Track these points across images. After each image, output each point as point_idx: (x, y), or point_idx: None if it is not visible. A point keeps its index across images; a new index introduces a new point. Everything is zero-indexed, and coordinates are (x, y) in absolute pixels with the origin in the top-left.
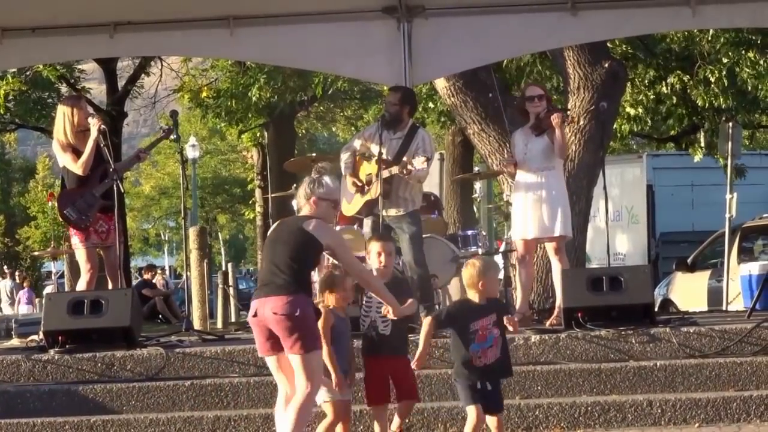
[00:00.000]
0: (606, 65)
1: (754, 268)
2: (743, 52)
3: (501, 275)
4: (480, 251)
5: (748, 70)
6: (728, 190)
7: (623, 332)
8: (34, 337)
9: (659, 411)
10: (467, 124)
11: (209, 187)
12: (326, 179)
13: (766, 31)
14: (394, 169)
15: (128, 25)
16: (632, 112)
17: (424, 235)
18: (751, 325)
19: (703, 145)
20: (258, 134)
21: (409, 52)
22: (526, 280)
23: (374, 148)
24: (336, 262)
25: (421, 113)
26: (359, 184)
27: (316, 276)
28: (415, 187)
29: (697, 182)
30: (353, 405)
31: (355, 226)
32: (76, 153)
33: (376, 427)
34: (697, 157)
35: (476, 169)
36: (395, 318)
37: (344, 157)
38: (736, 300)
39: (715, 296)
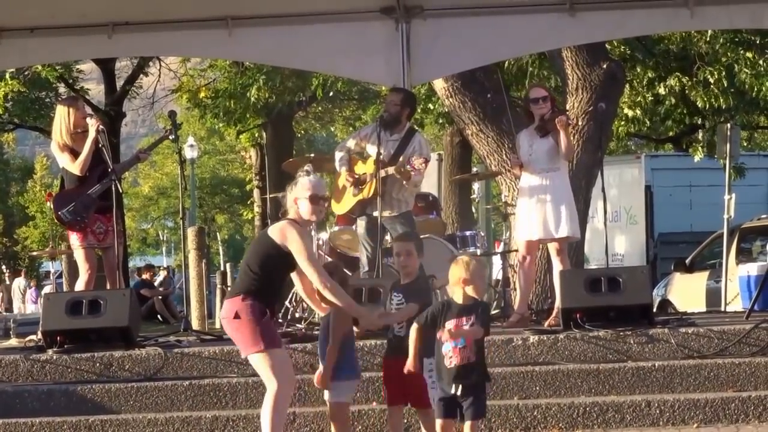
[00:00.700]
0: (604, 66)
1: (752, 268)
2: (742, 52)
3: (500, 276)
4: (478, 252)
5: (747, 70)
6: (726, 190)
7: (621, 333)
8: (33, 337)
9: (657, 411)
10: (465, 124)
11: (208, 187)
12: (303, 178)
13: (765, 32)
14: (391, 170)
15: (126, 26)
16: (630, 113)
17: (422, 236)
18: (749, 326)
19: (701, 146)
20: (256, 134)
21: (408, 52)
22: (526, 281)
23: (370, 148)
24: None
25: (420, 114)
26: (355, 177)
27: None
28: (408, 189)
29: (696, 183)
30: (358, 405)
31: (354, 227)
32: (74, 153)
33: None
34: (697, 158)
35: (474, 169)
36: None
37: (339, 154)
38: (735, 301)
39: (713, 297)
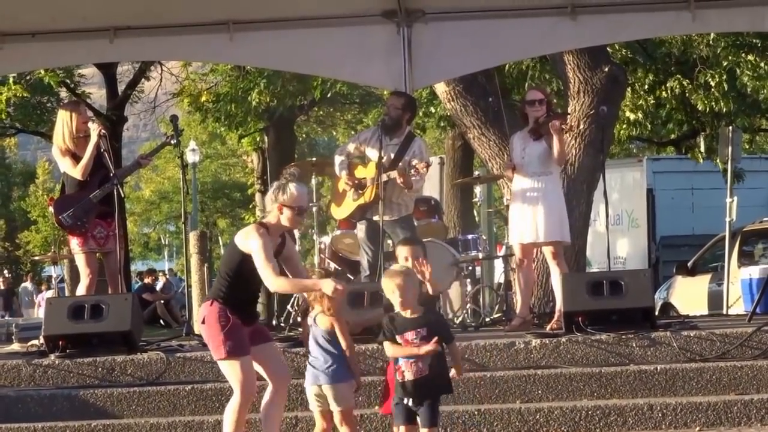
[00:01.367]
0: (606, 69)
1: (754, 271)
2: (743, 55)
3: (502, 279)
4: (480, 255)
5: (748, 73)
6: (728, 193)
7: (624, 336)
8: (35, 341)
9: (660, 415)
10: (467, 128)
11: (209, 191)
12: (292, 187)
13: (766, 34)
14: (393, 174)
15: (128, 30)
16: (632, 116)
17: (424, 240)
18: (751, 329)
19: (702, 149)
20: (258, 138)
21: (409, 56)
22: (526, 284)
23: (370, 152)
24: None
25: (422, 118)
26: (355, 182)
27: None
28: (405, 193)
29: (698, 186)
30: (360, 409)
31: (355, 231)
32: (76, 158)
33: None
34: (699, 161)
35: (476, 173)
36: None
37: (339, 159)
38: (737, 304)
39: (715, 300)
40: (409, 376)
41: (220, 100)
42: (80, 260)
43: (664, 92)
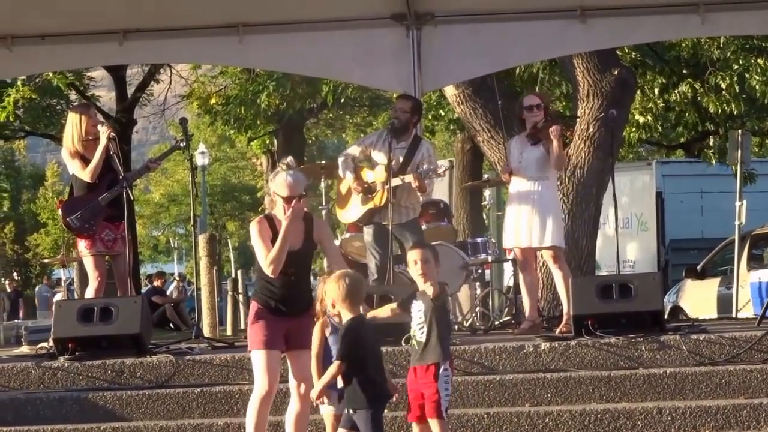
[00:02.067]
0: (615, 72)
1: (764, 275)
2: (753, 59)
3: (511, 282)
4: (489, 258)
5: (757, 77)
6: (738, 197)
7: (633, 340)
8: (44, 344)
9: (669, 418)
10: (476, 131)
11: (219, 194)
12: (282, 176)
13: None
14: (406, 178)
15: (138, 33)
16: (642, 119)
17: (433, 243)
18: (761, 333)
19: (713, 152)
20: (267, 141)
21: (418, 59)
22: (531, 286)
23: (376, 156)
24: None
25: (431, 121)
26: (364, 186)
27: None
28: (415, 196)
29: (707, 189)
30: None
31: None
32: (85, 161)
33: None
34: (711, 164)
35: (485, 176)
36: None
37: (345, 162)
38: (746, 307)
39: (724, 303)
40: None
41: (230, 103)
42: (88, 263)
43: (673, 95)
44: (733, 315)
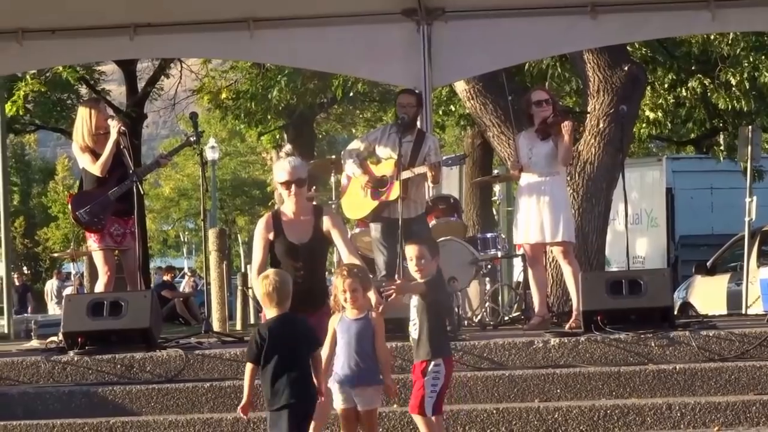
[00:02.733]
0: (626, 68)
1: None
2: (763, 57)
3: (521, 278)
4: (499, 254)
5: (767, 73)
6: (748, 193)
7: (642, 335)
8: (54, 338)
9: (678, 414)
10: (486, 126)
11: (228, 189)
12: (279, 162)
13: None
14: (417, 170)
15: (148, 27)
16: (652, 115)
17: (443, 238)
18: None
19: (722, 148)
20: (278, 136)
21: (429, 54)
22: (540, 282)
23: (381, 151)
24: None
25: (441, 116)
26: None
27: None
28: (422, 191)
29: (717, 185)
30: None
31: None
32: (95, 155)
33: None
34: (720, 161)
35: (495, 171)
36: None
37: (350, 159)
38: (756, 303)
39: (734, 300)
40: None
41: (240, 98)
42: (97, 257)
43: (683, 91)
44: (743, 311)
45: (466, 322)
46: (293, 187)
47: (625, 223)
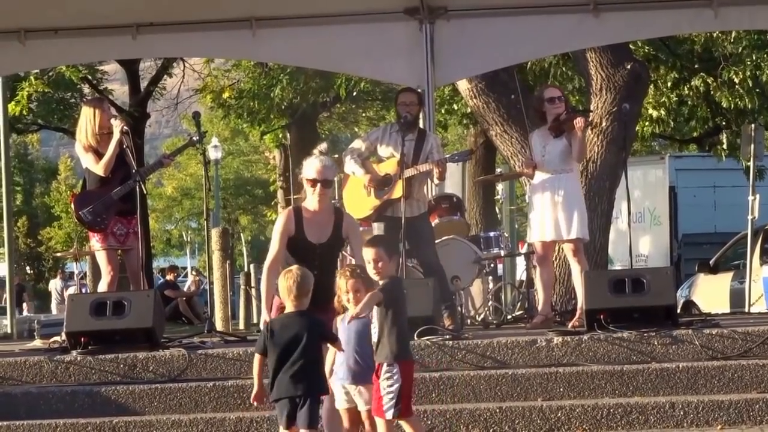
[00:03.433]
0: (628, 67)
1: None
2: (766, 55)
3: (524, 277)
4: (502, 252)
5: None
6: (750, 191)
7: (645, 334)
8: (57, 338)
9: (681, 413)
10: (489, 125)
11: (231, 188)
12: (310, 160)
13: None
14: (422, 167)
15: (151, 27)
16: (655, 113)
17: (446, 237)
18: None
19: (725, 146)
20: (280, 135)
21: (431, 53)
22: (547, 281)
23: (383, 151)
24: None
25: (444, 115)
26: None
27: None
28: (423, 190)
29: (720, 184)
30: None
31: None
32: (99, 155)
33: None
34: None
35: (498, 170)
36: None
37: (350, 157)
38: (759, 302)
39: (737, 298)
40: None
41: (243, 97)
42: (101, 257)
43: (686, 89)
44: (746, 309)
45: (469, 321)
46: (319, 186)
47: (628, 222)
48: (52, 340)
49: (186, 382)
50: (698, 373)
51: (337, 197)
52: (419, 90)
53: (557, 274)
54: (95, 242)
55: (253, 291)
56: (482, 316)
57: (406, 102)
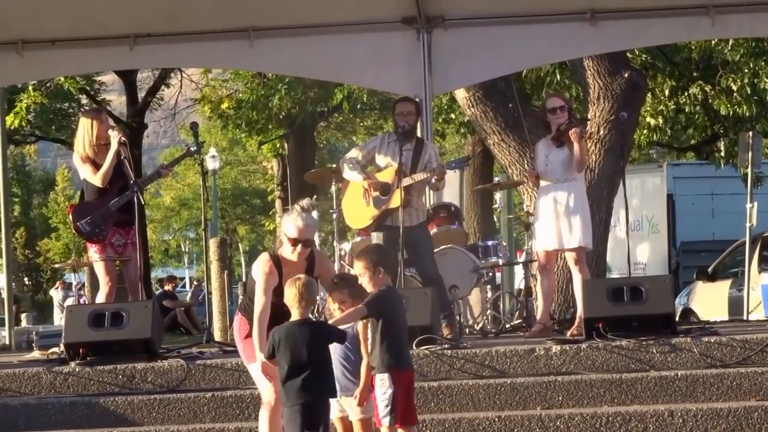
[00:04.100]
0: (626, 75)
1: None
2: (763, 63)
3: (522, 285)
4: (500, 261)
5: (767, 79)
6: (749, 199)
7: (644, 342)
8: (55, 349)
9: (680, 421)
10: (487, 134)
11: (229, 198)
12: (292, 218)
13: None
14: (418, 176)
15: (148, 37)
16: (653, 121)
17: (444, 246)
18: None
19: (723, 154)
20: (278, 145)
21: (429, 62)
22: (548, 290)
23: (381, 160)
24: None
25: (441, 124)
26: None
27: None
28: (422, 199)
29: (718, 191)
30: None
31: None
32: (96, 166)
33: None
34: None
35: (496, 179)
36: None
37: (348, 165)
38: (757, 309)
39: (735, 306)
40: None
41: (241, 107)
42: (99, 268)
43: (684, 97)
44: (745, 317)
45: (467, 330)
46: (300, 246)
47: (626, 230)
48: (50, 351)
49: (184, 393)
50: (697, 380)
51: (335, 206)
52: (417, 99)
53: (556, 282)
54: (93, 253)
55: None
56: (481, 325)
57: (403, 111)
